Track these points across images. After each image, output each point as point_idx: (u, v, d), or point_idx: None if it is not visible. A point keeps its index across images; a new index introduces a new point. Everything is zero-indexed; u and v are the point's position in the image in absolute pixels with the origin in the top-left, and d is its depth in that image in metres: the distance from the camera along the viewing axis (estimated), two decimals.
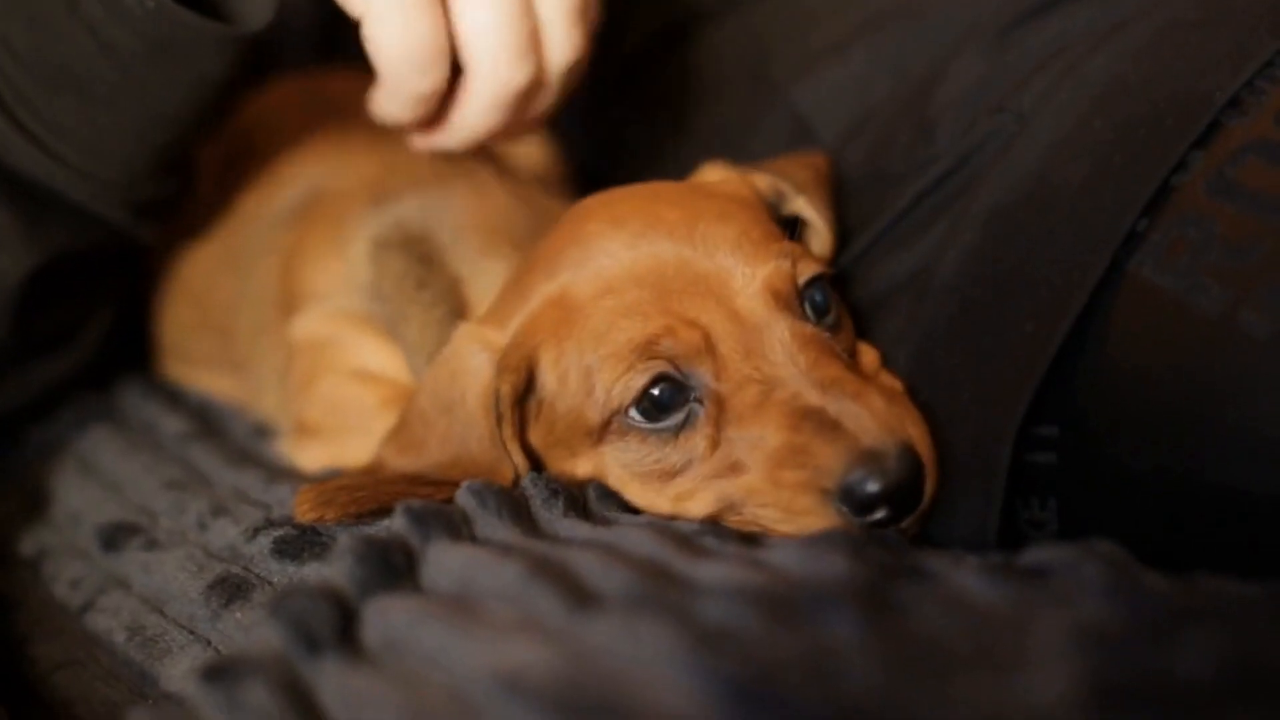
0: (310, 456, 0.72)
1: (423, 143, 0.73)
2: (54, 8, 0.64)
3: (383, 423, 0.68)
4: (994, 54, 0.68)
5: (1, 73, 0.67)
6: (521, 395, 0.59)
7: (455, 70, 0.68)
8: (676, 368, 0.56)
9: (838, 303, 0.61)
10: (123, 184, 0.72)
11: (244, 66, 0.69)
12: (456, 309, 0.69)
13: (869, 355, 0.62)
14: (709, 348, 0.56)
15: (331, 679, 0.44)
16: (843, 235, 0.68)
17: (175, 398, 0.86)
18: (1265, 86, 0.56)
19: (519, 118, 0.71)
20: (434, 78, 0.66)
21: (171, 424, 0.80)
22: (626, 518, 0.57)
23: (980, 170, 0.63)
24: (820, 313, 0.59)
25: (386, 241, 0.71)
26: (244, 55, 0.68)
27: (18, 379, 0.79)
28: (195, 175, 0.80)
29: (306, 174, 0.80)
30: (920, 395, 0.59)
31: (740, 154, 0.74)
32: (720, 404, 0.56)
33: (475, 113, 0.69)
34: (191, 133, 0.72)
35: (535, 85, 0.68)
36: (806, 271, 0.59)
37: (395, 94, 0.68)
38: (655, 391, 0.56)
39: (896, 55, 0.73)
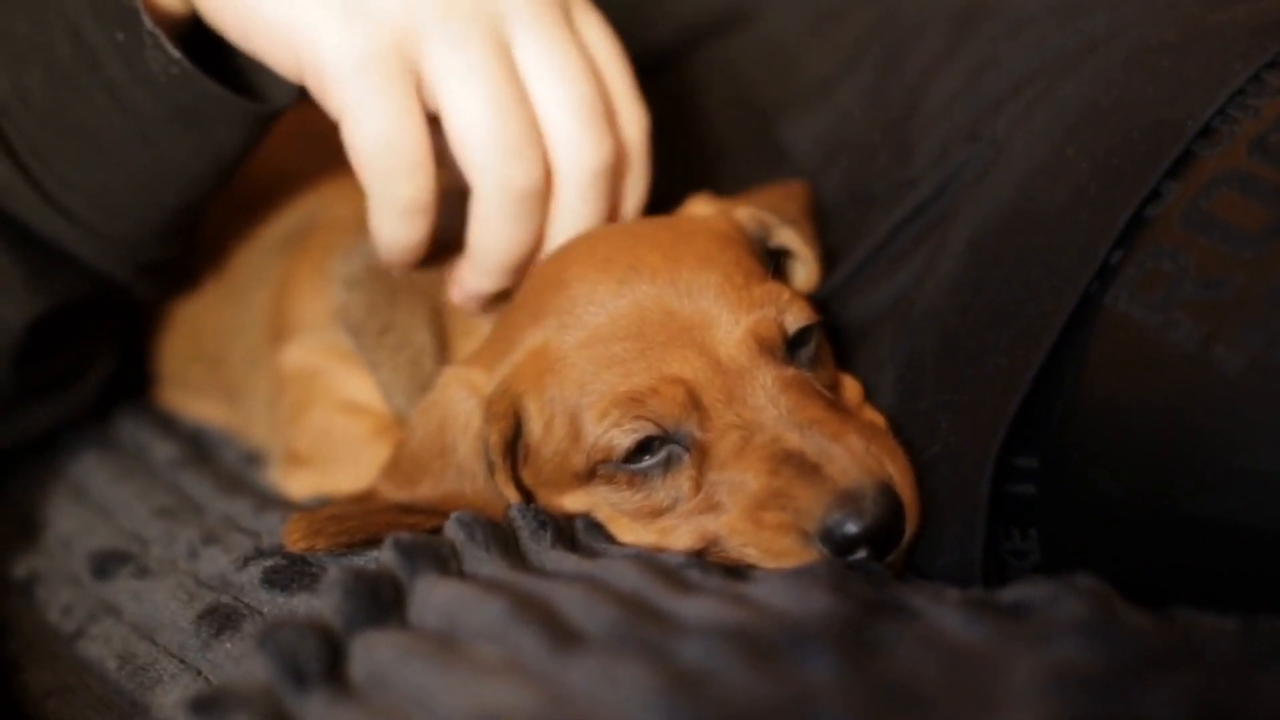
0: (300, 485, 0.73)
1: (456, 292, 0.67)
2: (75, 64, 0.63)
3: (372, 453, 0.69)
4: (970, 76, 0.69)
5: (16, 125, 0.67)
6: (511, 440, 0.60)
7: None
8: (662, 428, 0.57)
9: (819, 338, 0.61)
10: (129, 243, 0.72)
11: (260, 138, 0.68)
12: (435, 337, 0.69)
13: (851, 389, 0.62)
14: (693, 402, 0.56)
15: (318, 714, 0.45)
16: (827, 262, 0.69)
17: (167, 424, 0.86)
18: (1237, 115, 0.56)
19: (542, 235, 0.65)
20: (417, 186, 0.61)
21: (163, 450, 0.80)
22: (613, 549, 0.57)
23: (958, 199, 0.64)
24: (801, 353, 0.60)
25: (356, 281, 0.71)
26: (263, 129, 0.67)
27: (18, 422, 0.79)
28: (198, 236, 0.79)
29: (300, 205, 0.81)
30: (903, 429, 0.59)
31: (721, 180, 0.75)
32: (704, 451, 0.57)
33: (486, 226, 0.63)
34: (202, 197, 0.71)
35: (547, 191, 0.63)
36: (795, 322, 0.59)
37: (383, 208, 0.63)
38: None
39: (875, 80, 0.74)
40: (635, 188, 0.67)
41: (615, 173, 0.65)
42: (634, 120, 0.66)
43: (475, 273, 0.65)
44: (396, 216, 0.63)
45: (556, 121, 0.62)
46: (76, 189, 0.68)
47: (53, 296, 0.73)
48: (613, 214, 0.66)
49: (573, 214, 0.64)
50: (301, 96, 0.66)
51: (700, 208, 0.68)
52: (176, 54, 0.62)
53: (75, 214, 0.69)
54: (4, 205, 0.69)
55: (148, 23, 0.61)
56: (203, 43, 0.65)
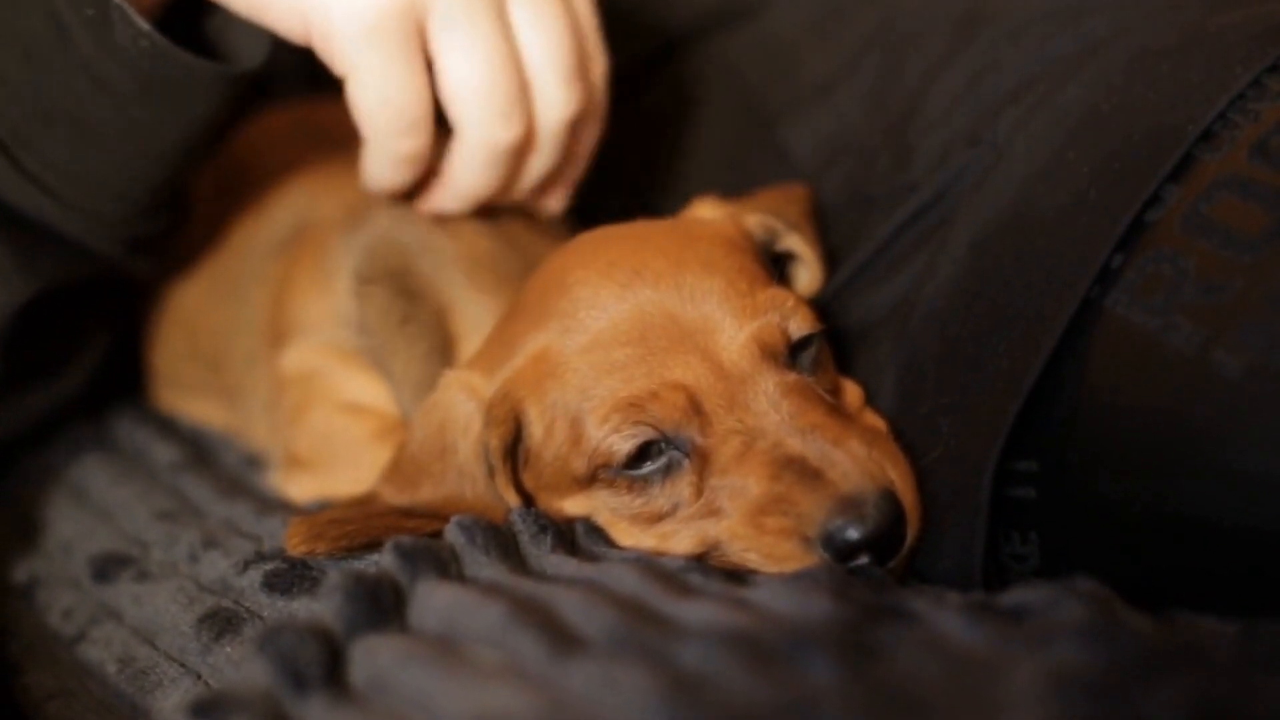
0: (300, 488, 0.73)
1: (425, 205, 0.72)
2: (49, 43, 0.64)
3: (372, 455, 0.69)
4: (971, 80, 0.69)
5: None
6: (511, 444, 0.60)
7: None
8: (662, 433, 0.57)
9: (820, 342, 0.61)
10: (116, 219, 0.72)
11: (238, 104, 0.69)
12: (443, 340, 0.69)
13: (852, 393, 0.62)
14: (694, 407, 0.56)
15: (318, 718, 0.45)
16: (829, 265, 0.69)
17: (167, 426, 0.86)
18: (1238, 120, 0.56)
19: (516, 177, 0.70)
20: (416, 141, 0.66)
21: (163, 453, 0.80)
22: (613, 553, 0.57)
23: (958, 202, 0.64)
24: (802, 357, 0.60)
25: (369, 277, 0.71)
26: (238, 94, 0.68)
27: (11, 408, 0.79)
28: (190, 209, 0.80)
29: (296, 203, 0.81)
30: (903, 433, 0.59)
31: (721, 181, 0.75)
32: (705, 456, 0.57)
33: (467, 171, 0.68)
34: (184, 169, 0.72)
35: (527, 142, 0.68)
36: (799, 330, 0.59)
37: (379, 156, 0.67)
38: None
39: (876, 83, 0.74)
40: (592, 130, 0.72)
41: (582, 120, 0.70)
42: (600, 68, 0.71)
43: (449, 200, 0.71)
44: (391, 166, 0.68)
45: (541, 77, 0.66)
46: (58, 167, 0.69)
47: (42, 278, 0.73)
48: (569, 155, 0.72)
49: (544, 160, 0.70)
50: (301, 88, 0.67)
51: (706, 210, 0.68)
52: (145, 26, 0.62)
53: (59, 192, 0.69)
54: None
55: None
56: (175, 13, 0.66)
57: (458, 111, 0.65)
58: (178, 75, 0.65)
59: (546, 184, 0.73)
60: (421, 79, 0.64)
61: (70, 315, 0.80)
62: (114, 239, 0.74)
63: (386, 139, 0.66)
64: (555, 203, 0.76)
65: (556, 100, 0.67)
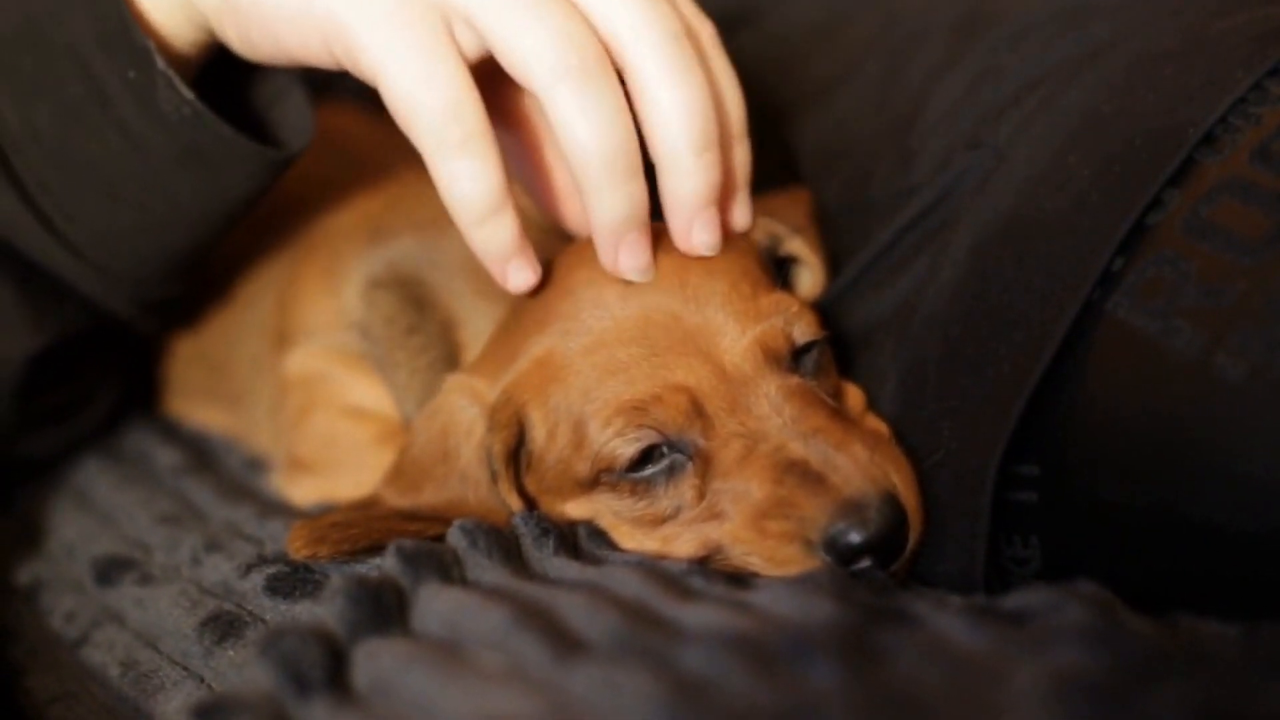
0: (303, 492, 0.73)
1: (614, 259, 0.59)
2: (85, 101, 0.62)
3: (375, 458, 0.69)
4: (972, 83, 0.69)
5: (25, 159, 0.65)
6: (514, 448, 0.60)
7: None
8: (664, 436, 0.57)
9: (822, 346, 0.61)
10: (133, 281, 0.71)
11: (270, 186, 0.67)
12: (449, 352, 0.69)
13: (854, 397, 0.62)
14: (697, 410, 0.56)
15: None
16: (830, 268, 0.69)
17: (169, 430, 0.86)
18: (1239, 123, 0.56)
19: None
20: (465, 120, 0.55)
21: (166, 456, 0.80)
22: (616, 556, 0.58)
23: (960, 206, 0.64)
24: (805, 360, 0.60)
25: (380, 282, 0.71)
26: (273, 176, 0.66)
27: (22, 449, 0.79)
28: (205, 277, 0.79)
29: (305, 208, 0.81)
30: (905, 437, 0.59)
31: None
32: (707, 459, 0.57)
33: (584, 135, 0.55)
34: (207, 241, 0.70)
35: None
36: (803, 335, 0.59)
37: (439, 155, 0.56)
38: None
39: (878, 86, 0.74)
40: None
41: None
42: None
43: (603, 207, 0.57)
44: (453, 160, 0.56)
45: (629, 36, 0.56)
46: (83, 224, 0.67)
47: (53, 331, 0.72)
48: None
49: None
50: (310, 93, 0.66)
51: None
52: (189, 94, 0.61)
53: (81, 249, 0.68)
54: (9, 239, 0.68)
55: (160, 63, 0.60)
56: (213, 88, 0.65)
57: (541, 88, 0.55)
58: (218, 147, 0.63)
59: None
60: (452, 51, 0.55)
61: (83, 365, 0.79)
62: (128, 299, 0.73)
63: (436, 131, 0.55)
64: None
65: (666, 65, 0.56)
